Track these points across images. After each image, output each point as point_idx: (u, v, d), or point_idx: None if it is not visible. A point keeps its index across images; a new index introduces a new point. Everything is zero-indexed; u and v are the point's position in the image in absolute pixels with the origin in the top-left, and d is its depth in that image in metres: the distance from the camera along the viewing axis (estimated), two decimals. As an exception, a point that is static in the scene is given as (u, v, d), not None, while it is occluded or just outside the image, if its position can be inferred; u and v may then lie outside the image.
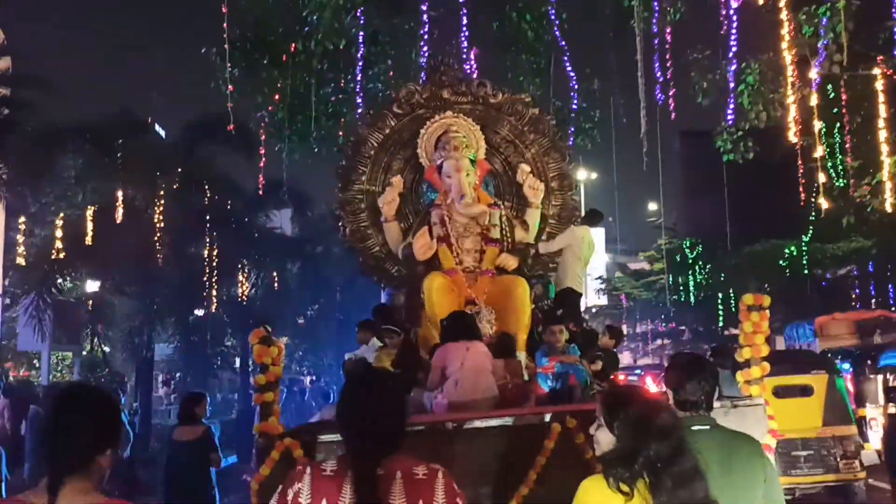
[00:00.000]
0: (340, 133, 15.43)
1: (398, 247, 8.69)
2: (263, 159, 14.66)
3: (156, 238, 18.82)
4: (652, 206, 40.94)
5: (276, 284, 25.58)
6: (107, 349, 24.58)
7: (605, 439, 2.85)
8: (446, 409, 5.92)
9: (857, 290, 29.39)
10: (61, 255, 18.82)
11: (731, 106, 13.59)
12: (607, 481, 2.67)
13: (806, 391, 11.11)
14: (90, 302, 21.20)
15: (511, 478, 4.49)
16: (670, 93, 13.26)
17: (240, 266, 23.38)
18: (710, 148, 15.92)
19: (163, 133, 25.08)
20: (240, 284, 23.75)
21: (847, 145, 16.50)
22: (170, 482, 8.60)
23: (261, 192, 20.07)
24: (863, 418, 14.19)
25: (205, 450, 8.36)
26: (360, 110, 14.08)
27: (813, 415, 10.86)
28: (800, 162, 16.18)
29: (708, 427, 3.31)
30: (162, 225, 19.03)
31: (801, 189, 17.27)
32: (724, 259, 27.92)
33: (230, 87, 13.98)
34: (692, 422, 3.27)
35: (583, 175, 29.17)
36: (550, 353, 6.45)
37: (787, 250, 26.44)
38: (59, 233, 19.15)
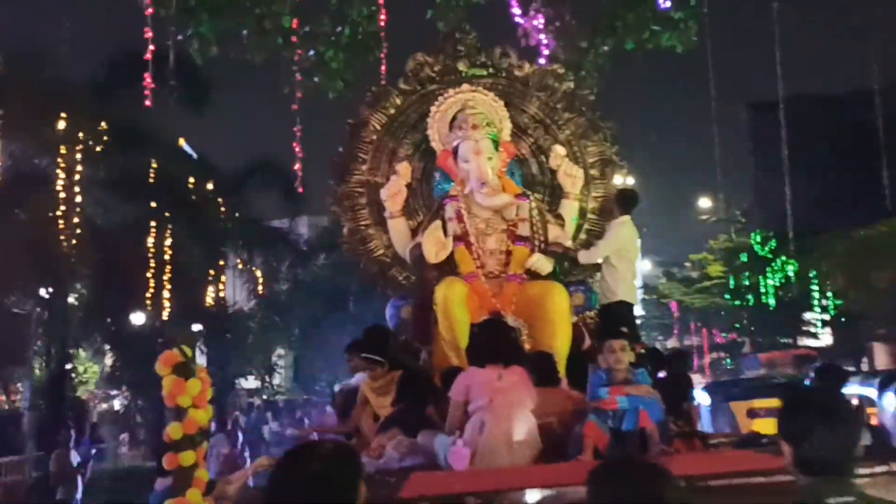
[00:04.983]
0: (294, 24, 10.06)
1: (406, 248, 7.32)
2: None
3: (60, 213, 14.08)
4: (704, 203, 37.38)
5: (260, 287, 22.16)
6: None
7: None
8: (468, 461, 4.30)
9: None
10: None
11: None
12: None
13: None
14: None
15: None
16: None
17: (215, 263, 19.13)
18: (789, 120, 13.39)
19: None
20: (216, 286, 19.54)
21: None
22: None
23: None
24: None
25: None
26: None
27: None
28: None
29: (851, 500, 2.30)
30: (77, 198, 14.35)
31: None
32: (814, 250, 23.36)
33: None
34: (822, 492, 2.31)
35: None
36: (610, 380, 4.76)
37: None
38: None
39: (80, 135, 14.51)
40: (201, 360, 19.56)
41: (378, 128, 7.78)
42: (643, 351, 6.01)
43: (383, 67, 9.14)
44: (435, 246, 6.83)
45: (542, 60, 8.95)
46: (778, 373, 19.21)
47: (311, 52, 9.96)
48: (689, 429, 5.31)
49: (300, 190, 13.91)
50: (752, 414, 12.36)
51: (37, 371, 16.56)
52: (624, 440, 4.44)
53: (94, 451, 12.07)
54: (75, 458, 10.76)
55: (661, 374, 6.12)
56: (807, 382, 12.61)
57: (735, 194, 34.56)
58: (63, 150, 14.53)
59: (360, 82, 9.48)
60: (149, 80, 9.14)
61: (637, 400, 4.62)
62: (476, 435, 4.42)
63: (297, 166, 11.06)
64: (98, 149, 15.20)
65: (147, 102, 9.11)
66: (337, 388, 6.90)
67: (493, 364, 4.79)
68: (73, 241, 14.48)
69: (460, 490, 3.44)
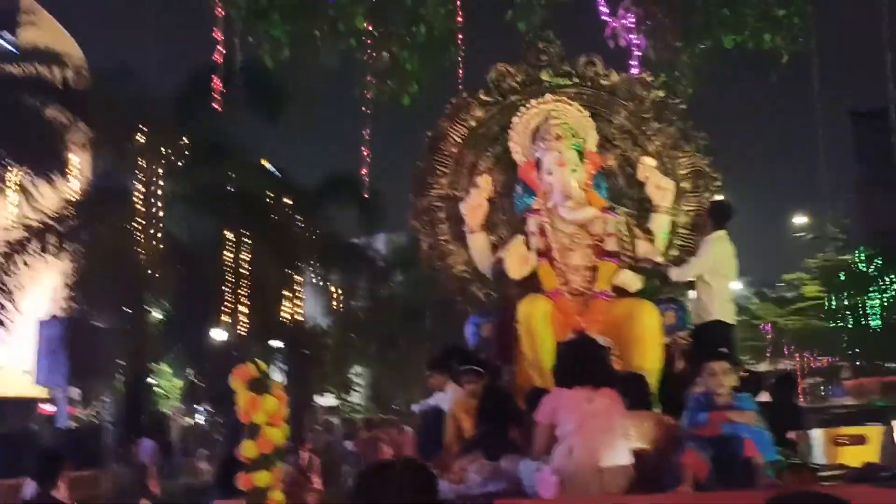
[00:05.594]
0: (368, 26, 9.17)
1: (486, 264, 7.09)
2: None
3: (141, 228, 14.27)
4: (799, 219, 35.39)
5: (337, 304, 22.57)
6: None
7: None
8: (555, 489, 3.99)
9: None
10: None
11: None
12: None
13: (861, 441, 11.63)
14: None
15: None
16: None
17: (293, 279, 19.04)
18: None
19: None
20: (293, 302, 19.24)
21: None
22: None
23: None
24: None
25: None
26: None
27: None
28: None
29: None
30: (159, 213, 14.47)
31: None
32: None
33: None
34: None
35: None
36: (711, 405, 4.40)
37: None
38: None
39: (162, 149, 14.76)
40: (279, 376, 19.60)
41: (458, 140, 7.53)
42: (746, 374, 5.60)
43: (460, 71, 8.84)
44: (517, 262, 6.61)
45: (632, 61, 8.55)
46: (866, 400, 18.63)
47: (385, 55, 9.61)
48: (796, 460, 4.88)
49: (366, 196, 13.80)
50: (838, 442, 12.37)
51: (119, 385, 16.92)
52: (727, 470, 4.08)
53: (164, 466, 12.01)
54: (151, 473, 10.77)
55: (764, 399, 5.72)
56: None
57: (834, 209, 32.71)
58: (144, 165, 14.71)
59: (435, 86, 9.18)
60: (219, 84, 8.99)
61: (741, 427, 4.24)
62: (564, 461, 4.11)
63: (365, 171, 10.78)
64: (179, 163, 15.34)
65: (217, 107, 8.99)
66: (416, 408, 6.66)
67: (581, 385, 4.47)
68: (154, 256, 14.65)
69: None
